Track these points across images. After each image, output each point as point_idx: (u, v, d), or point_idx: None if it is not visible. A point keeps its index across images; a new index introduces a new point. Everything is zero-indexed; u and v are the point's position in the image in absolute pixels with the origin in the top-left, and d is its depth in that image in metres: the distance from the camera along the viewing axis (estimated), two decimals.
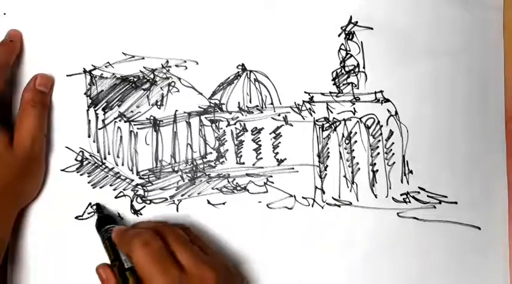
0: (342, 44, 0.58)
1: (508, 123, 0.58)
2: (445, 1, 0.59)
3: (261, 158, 0.58)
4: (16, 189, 0.53)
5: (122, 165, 0.57)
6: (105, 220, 0.55)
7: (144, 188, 0.57)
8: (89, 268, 0.56)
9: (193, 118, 0.57)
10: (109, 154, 0.57)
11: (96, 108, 0.57)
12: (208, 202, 0.57)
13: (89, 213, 0.56)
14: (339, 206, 0.57)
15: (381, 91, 0.58)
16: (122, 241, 0.50)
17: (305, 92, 0.58)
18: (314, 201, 0.57)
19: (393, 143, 0.58)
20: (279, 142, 0.58)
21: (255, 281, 0.56)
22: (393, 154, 0.58)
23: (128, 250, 0.48)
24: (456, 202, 0.57)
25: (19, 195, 0.54)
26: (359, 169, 0.58)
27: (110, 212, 0.56)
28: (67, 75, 0.57)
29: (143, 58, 0.57)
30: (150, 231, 0.49)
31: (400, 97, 0.58)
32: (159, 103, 0.57)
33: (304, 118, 0.58)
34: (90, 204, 0.56)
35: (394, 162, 0.58)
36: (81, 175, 0.57)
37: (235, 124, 0.58)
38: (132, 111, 0.57)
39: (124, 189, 0.57)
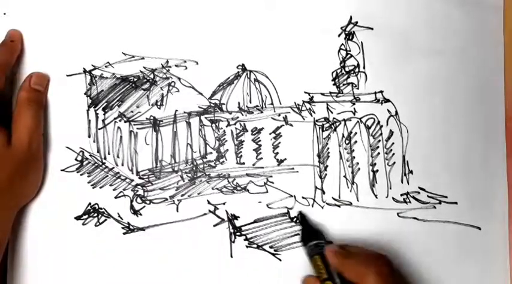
0: (342, 44, 0.58)
1: (508, 122, 0.58)
2: (445, 1, 0.59)
3: (261, 158, 0.58)
4: (15, 188, 0.53)
5: (122, 165, 0.57)
6: (310, 231, 0.55)
7: (144, 188, 0.57)
8: (89, 268, 0.56)
9: (193, 118, 0.57)
10: (109, 154, 0.57)
11: (96, 108, 0.57)
12: (209, 202, 0.57)
13: (89, 214, 0.56)
14: (339, 206, 0.57)
15: (381, 92, 0.58)
16: (347, 264, 0.51)
17: (305, 92, 0.58)
18: (314, 201, 0.57)
19: (393, 143, 0.58)
20: (279, 143, 0.58)
21: None
22: (393, 154, 0.58)
23: (355, 275, 0.50)
24: (456, 202, 0.57)
25: (18, 194, 0.54)
26: (359, 169, 0.58)
27: (313, 222, 0.57)
28: (67, 75, 0.57)
29: (143, 58, 0.57)
30: (383, 259, 0.51)
31: (400, 97, 0.58)
32: (159, 103, 0.57)
33: (304, 119, 0.58)
34: (90, 203, 0.56)
35: (394, 162, 0.58)
36: (81, 175, 0.57)
37: (235, 124, 0.58)
38: (132, 111, 0.57)
39: (124, 189, 0.57)
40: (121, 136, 0.57)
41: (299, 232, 0.57)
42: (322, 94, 0.58)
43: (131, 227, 0.57)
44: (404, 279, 0.55)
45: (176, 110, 0.57)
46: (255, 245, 0.57)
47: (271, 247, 0.57)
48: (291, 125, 0.58)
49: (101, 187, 0.57)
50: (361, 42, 0.58)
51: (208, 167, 0.57)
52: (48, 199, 0.56)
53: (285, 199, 0.57)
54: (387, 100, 0.58)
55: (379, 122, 0.58)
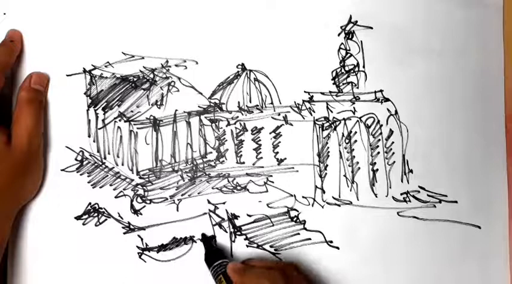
0: (342, 43, 0.58)
1: (508, 122, 0.58)
2: (445, 1, 0.59)
3: (261, 158, 0.58)
4: (15, 187, 0.53)
5: (122, 164, 0.57)
6: (216, 253, 0.55)
7: (144, 188, 0.57)
8: (89, 268, 0.56)
9: (193, 118, 0.57)
10: (109, 154, 0.57)
11: (96, 108, 0.57)
12: (209, 202, 0.57)
13: (89, 214, 0.56)
14: (339, 205, 0.57)
15: (381, 91, 0.58)
16: (245, 279, 0.51)
17: (305, 92, 0.58)
18: (314, 200, 0.57)
19: (393, 142, 0.58)
20: (279, 142, 0.58)
21: None
22: (393, 153, 0.58)
23: None
24: (456, 201, 0.57)
25: (18, 193, 0.54)
26: (359, 168, 0.58)
27: (219, 245, 0.57)
28: (67, 75, 0.57)
29: (143, 58, 0.57)
30: (278, 271, 0.51)
31: (400, 96, 0.58)
32: (159, 103, 0.57)
33: (304, 118, 0.58)
34: (90, 203, 0.56)
35: (394, 161, 0.58)
36: (81, 175, 0.57)
37: (235, 123, 0.58)
38: (132, 111, 0.57)
39: (124, 189, 0.57)
40: (121, 136, 0.57)
41: (299, 231, 0.57)
42: (322, 93, 0.58)
43: (131, 227, 0.57)
44: None
45: (176, 110, 0.57)
46: (255, 245, 0.57)
47: (271, 246, 0.57)
48: (291, 124, 0.58)
49: (101, 187, 0.57)
50: (361, 42, 0.58)
51: (208, 167, 0.57)
52: (48, 199, 0.56)
53: (285, 199, 0.57)
54: (387, 100, 0.58)
55: (379, 121, 0.58)
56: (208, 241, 0.56)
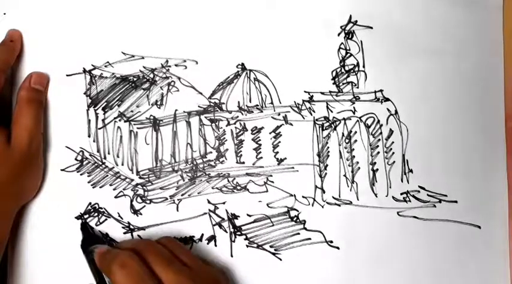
0: (342, 43, 0.58)
1: (508, 121, 0.58)
2: (445, 1, 0.59)
3: (261, 157, 0.58)
4: (14, 187, 0.53)
5: (122, 164, 0.57)
6: (91, 239, 0.54)
7: (144, 188, 0.57)
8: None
9: (193, 118, 0.57)
10: (109, 153, 0.57)
11: (96, 108, 0.57)
12: (209, 202, 0.57)
13: (89, 214, 0.56)
14: (339, 205, 0.57)
15: (381, 91, 0.58)
16: (103, 263, 0.49)
17: (305, 91, 0.58)
18: (314, 200, 0.57)
19: (393, 142, 0.58)
20: (279, 142, 0.58)
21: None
22: (393, 153, 0.58)
23: (108, 273, 0.47)
24: (456, 201, 0.57)
25: (18, 193, 0.54)
26: (359, 168, 0.58)
27: (96, 231, 0.56)
28: (67, 75, 0.57)
29: (143, 58, 0.57)
30: (128, 251, 0.47)
31: (400, 96, 0.58)
32: (158, 103, 0.57)
33: (304, 118, 0.58)
34: (90, 203, 0.57)
35: (394, 161, 0.58)
36: (81, 174, 0.57)
37: (235, 123, 0.58)
38: (132, 111, 0.57)
39: (124, 189, 0.57)
40: (121, 136, 0.57)
41: (299, 231, 0.57)
42: (322, 93, 0.58)
43: (131, 227, 0.57)
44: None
45: (176, 110, 0.57)
46: (255, 245, 0.57)
47: (271, 246, 0.57)
48: (291, 124, 0.58)
49: (101, 187, 0.57)
50: (361, 41, 0.58)
51: (208, 166, 0.57)
52: (48, 198, 0.56)
53: (285, 199, 0.57)
54: (387, 99, 0.58)
55: (379, 121, 0.58)
56: (85, 225, 0.56)
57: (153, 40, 0.57)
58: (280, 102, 0.58)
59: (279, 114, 0.58)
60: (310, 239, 0.57)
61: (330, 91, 0.58)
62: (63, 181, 0.57)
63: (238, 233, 0.57)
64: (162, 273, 0.46)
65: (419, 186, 0.57)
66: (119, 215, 0.57)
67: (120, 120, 0.57)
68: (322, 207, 0.57)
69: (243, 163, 0.58)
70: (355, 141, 0.58)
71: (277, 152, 0.58)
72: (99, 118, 0.57)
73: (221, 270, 0.55)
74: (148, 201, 0.57)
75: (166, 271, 0.47)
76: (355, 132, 0.58)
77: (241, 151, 0.58)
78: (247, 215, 0.57)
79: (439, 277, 0.57)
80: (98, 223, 0.57)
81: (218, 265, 0.56)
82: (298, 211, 0.57)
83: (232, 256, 0.56)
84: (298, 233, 0.57)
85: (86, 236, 0.55)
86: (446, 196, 0.57)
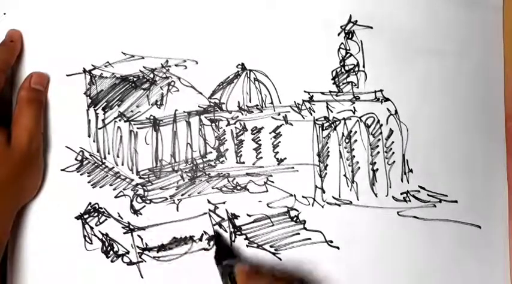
0: (342, 43, 0.58)
1: (508, 121, 0.58)
2: (445, 1, 0.59)
3: (261, 157, 0.58)
4: (15, 187, 0.53)
5: (122, 164, 0.57)
6: (223, 251, 0.55)
7: (144, 188, 0.57)
8: (89, 268, 0.56)
9: (193, 118, 0.57)
10: (109, 153, 0.57)
11: (96, 108, 0.57)
12: (209, 202, 0.57)
13: (89, 213, 0.57)
14: (339, 205, 0.57)
15: (381, 90, 0.58)
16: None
17: (305, 91, 0.58)
18: (314, 200, 0.57)
19: (393, 142, 0.58)
20: (279, 142, 0.58)
21: None
22: (393, 153, 0.58)
23: None
24: (456, 201, 0.57)
25: (18, 193, 0.54)
26: (359, 168, 0.58)
27: (226, 241, 0.57)
28: (67, 75, 0.57)
29: (143, 58, 0.57)
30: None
31: (400, 96, 0.58)
32: (158, 103, 0.57)
33: (304, 118, 0.58)
34: (90, 203, 0.57)
35: (394, 161, 0.58)
36: (81, 174, 0.57)
37: (235, 123, 0.58)
38: (132, 111, 0.57)
39: (124, 189, 0.57)
40: (121, 136, 0.57)
41: (299, 231, 0.57)
42: (322, 93, 0.58)
43: (131, 227, 0.57)
44: None
45: (176, 110, 0.57)
46: (255, 245, 0.57)
47: (271, 246, 0.57)
48: (291, 124, 0.58)
49: (101, 187, 0.57)
50: (361, 41, 0.58)
51: (208, 166, 0.57)
52: (48, 198, 0.56)
53: (285, 199, 0.57)
54: (387, 99, 0.58)
55: (378, 121, 0.58)
56: (220, 238, 0.56)
57: (153, 40, 0.57)
58: (280, 102, 0.58)
59: (279, 114, 0.58)
60: (310, 239, 0.57)
61: (330, 91, 0.58)
62: (63, 181, 0.57)
63: (238, 233, 0.57)
64: None
65: (419, 186, 0.57)
66: (119, 215, 0.57)
67: (120, 120, 0.57)
68: (322, 206, 0.57)
69: (243, 163, 0.58)
70: (355, 141, 0.58)
71: (277, 152, 0.58)
72: (99, 118, 0.57)
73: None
74: (148, 201, 0.57)
75: None
76: (355, 132, 0.58)
77: (241, 151, 0.58)
78: (247, 215, 0.57)
79: (439, 277, 0.57)
80: (98, 223, 0.57)
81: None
82: (298, 211, 0.57)
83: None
84: (298, 233, 0.57)
85: (219, 247, 0.56)
86: (446, 196, 0.57)
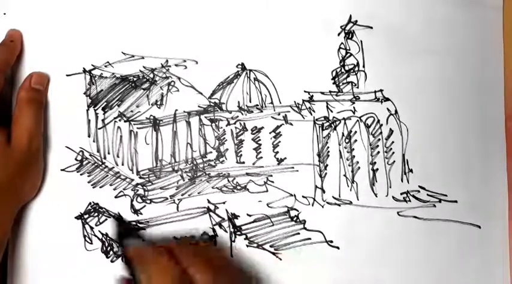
0: (342, 43, 0.58)
1: (508, 122, 0.58)
2: (444, 1, 0.59)
3: (261, 157, 0.58)
4: (15, 188, 0.53)
5: (122, 164, 0.57)
6: (126, 232, 0.53)
7: (144, 187, 0.57)
8: (89, 268, 0.56)
9: (193, 118, 0.57)
10: (109, 153, 0.57)
11: (96, 108, 0.57)
12: (209, 202, 0.57)
13: (89, 213, 0.56)
14: (339, 205, 0.57)
15: (381, 90, 0.58)
16: (140, 263, 0.48)
17: (305, 91, 0.58)
18: (314, 200, 0.57)
19: (393, 142, 0.58)
20: (279, 142, 0.58)
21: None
22: (393, 153, 0.58)
23: (146, 275, 0.47)
24: (456, 201, 0.57)
25: (18, 193, 0.54)
26: (359, 168, 0.58)
27: (128, 224, 0.56)
28: (67, 75, 0.57)
29: (143, 58, 0.57)
30: (161, 249, 0.48)
31: (400, 96, 0.58)
32: (158, 103, 0.57)
33: (304, 118, 0.58)
34: (90, 203, 0.57)
35: (394, 161, 0.58)
36: (81, 174, 0.57)
37: (235, 123, 0.58)
38: (132, 111, 0.57)
39: (124, 189, 0.57)
40: (121, 136, 0.57)
41: (299, 231, 0.57)
42: (322, 93, 0.58)
43: (132, 226, 0.57)
44: None
45: (176, 109, 0.57)
46: (255, 245, 0.57)
47: (271, 246, 0.57)
48: (291, 124, 0.58)
49: (101, 187, 0.57)
50: (361, 41, 0.58)
51: (208, 166, 0.57)
52: (49, 199, 0.56)
53: (285, 198, 0.57)
54: (387, 99, 0.58)
55: (378, 121, 0.58)
56: (122, 220, 0.56)
57: (153, 40, 0.57)
58: (280, 102, 0.58)
59: (279, 114, 0.58)
60: (310, 239, 0.57)
61: (330, 91, 0.58)
62: (63, 181, 0.57)
63: (238, 233, 0.57)
64: (196, 273, 0.47)
65: (419, 186, 0.57)
66: (119, 215, 0.57)
67: (120, 120, 0.57)
68: (322, 206, 0.57)
69: (243, 163, 0.58)
70: (355, 140, 0.58)
71: (277, 152, 0.58)
72: (99, 118, 0.57)
73: (250, 274, 0.56)
74: (148, 201, 0.57)
75: (201, 271, 0.47)
76: (355, 131, 0.58)
77: (241, 151, 0.58)
78: (247, 215, 0.57)
79: (439, 277, 0.57)
80: (98, 223, 0.57)
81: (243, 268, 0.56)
82: (298, 211, 0.57)
83: (232, 256, 0.56)
84: (298, 233, 0.57)
85: (121, 229, 0.54)
86: (446, 196, 0.57)
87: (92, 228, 0.57)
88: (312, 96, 0.58)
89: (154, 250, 0.48)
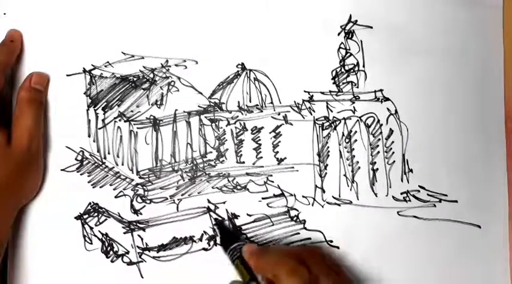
0: (342, 42, 0.58)
1: (508, 122, 0.58)
2: (444, 0, 0.59)
3: (261, 157, 0.58)
4: (15, 188, 0.53)
5: (122, 164, 0.57)
6: (229, 236, 0.55)
7: (144, 187, 0.57)
8: (89, 268, 0.56)
9: (193, 118, 0.57)
10: (109, 153, 0.57)
11: (96, 108, 0.57)
12: (209, 202, 0.57)
13: (89, 213, 0.57)
14: (339, 205, 0.57)
15: (381, 90, 0.58)
16: (262, 264, 0.50)
17: (305, 91, 0.58)
18: (314, 200, 0.57)
19: (393, 142, 0.58)
20: (279, 141, 0.58)
21: None
22: (393, 153, 0.58)
23: (271, 276, 0.49)
24: (456, 201, 0.57)
25: (18, 193, 0.54)
26: (359, 168, 0.58)
27: (228, 226, 0.57)
28: (67, 75, 0.57)
29: (143, 57, 0.57)
30: (295, 259, 0.49)
31: (400, 96, 0.58)
32: (158, 103, 0.57)
33: (304, 117, 0.58)
34: (90, 203, 0.57)
35: (394, 161, 0.58)
36: (81, 174, 0.57)
37: (235, 123, 0.58)
38: (132, 111, 0.57)
39: (124, 189, 0.57)
40: (121, 136, 0.57)
41: (299, 231, 0.57)
42: (322, 93, 0.58)
43: (131, 226, 0.57)
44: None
45: (176, 109, 0.57)
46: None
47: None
48: (291, 124, 0.58)
49: (101, 187, 0.57)
50: (361, 41, 0.58)
51: (208, 166, 0.57)
52: (48, 198, 0.56)
53: (285, 198, 0.57)
54: (387, 99, 0.58)
55: (379, 121, 0.58)
56: (222, 224, 0.56)
57: (153, 40, 0.57)
58: (280, 102, 0.58)
59: (279, 114, 0.58)
60: (310, 239, 0.57)
61: (330, 91, 0.58)
62: (63, 181, 0.57)
63: (239, 232, 0.57)
64: (320, 275, 0.48)
65: (419, 186, 0.57)
66: (119, 215, 0.57)
67: (120, 120, 0.57)
68: (322, 206, 0.57)
69: (243, 163, 0.58)
70: (355, 140, 0.58)
71: (277, 152, 0.58)
72: (99, 118, 0.57)
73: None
74: (148, 201, 0.57)
75: (328, 280, 0.48)
76: (355, 131, 0.58)
77: (241, 151, 0.58)
78: (247, 215, 0.57)
79: (439, 277, 0.57)
80: (98, 223, 0.57)
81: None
82: (298, 210, 0.57)
83: None
84: (298, 233, 0.57)
85: (223, 234, 0.55)
86: (446, 195, 0.57)
87: (91, 228, 0.57)
88: (312, 95, 0.58)
89: (291, 260, 0.49)
